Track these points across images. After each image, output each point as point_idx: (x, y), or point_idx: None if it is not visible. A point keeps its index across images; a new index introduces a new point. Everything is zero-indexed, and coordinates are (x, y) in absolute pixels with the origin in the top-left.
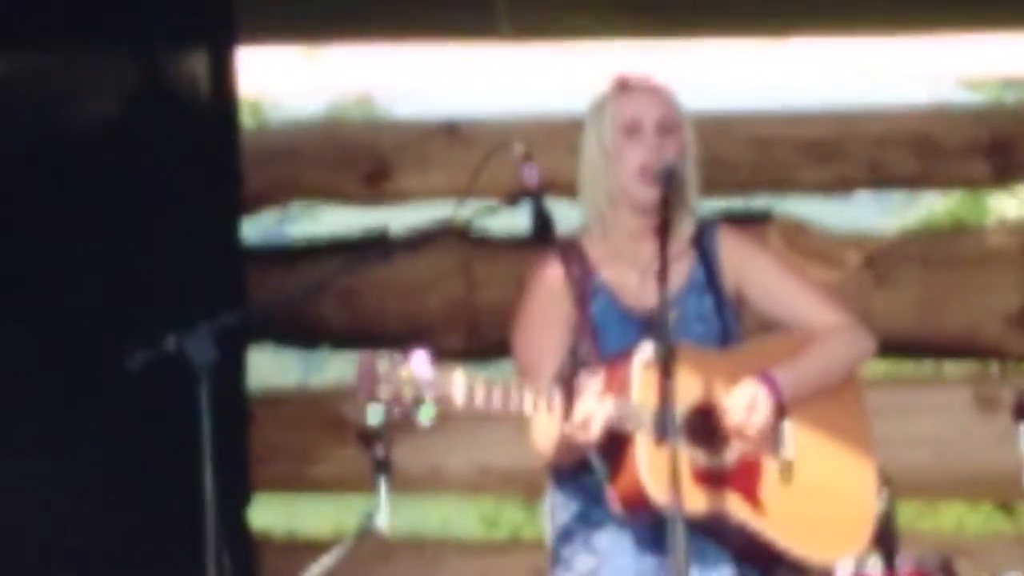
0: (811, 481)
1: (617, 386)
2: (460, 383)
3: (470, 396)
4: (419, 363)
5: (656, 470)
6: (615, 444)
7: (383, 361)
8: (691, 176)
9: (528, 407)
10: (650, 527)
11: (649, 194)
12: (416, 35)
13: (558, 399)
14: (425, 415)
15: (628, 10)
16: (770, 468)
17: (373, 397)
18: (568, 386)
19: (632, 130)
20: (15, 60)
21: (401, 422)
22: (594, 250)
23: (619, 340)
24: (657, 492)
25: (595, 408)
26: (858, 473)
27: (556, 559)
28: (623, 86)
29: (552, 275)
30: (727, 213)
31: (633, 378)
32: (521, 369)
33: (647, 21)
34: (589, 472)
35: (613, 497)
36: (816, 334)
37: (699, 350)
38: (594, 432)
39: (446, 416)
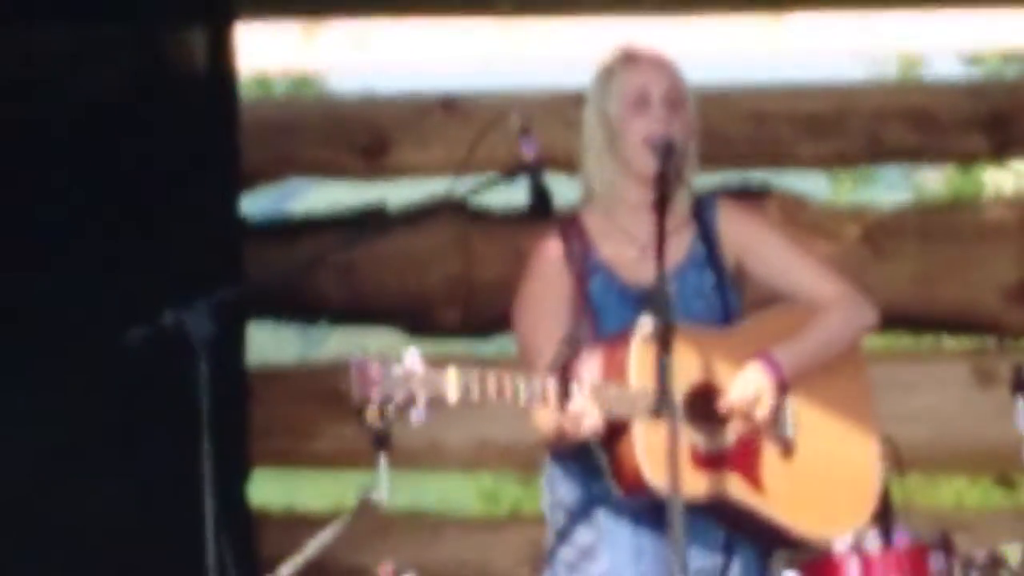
0: (812, 457)
1: (615, 369)
2: (453, 381)
3: (465, 392)
4: (412, 362)
5: (654, 455)
6: (613, 429)
7: (375, 363)
8: (692, 151)
9: (523, 399)
10: (650, 503)
11: (655, 165)
12: (415, 9)
13: (552, 389)
14: (416, 418)
15: None
16: (770, 447)
17: (367, 399)
18: (563, 375)
19: (640, 102)
20: (15, 37)
21: (396, 421)
22: (593, 224)
23: (618, 317)
24: (655, 477)
25: (587, 405)
26: (860, 446)
27: (556, 533)
28: (630, 57)
29: (553, 253)
30: (725, 187)
31: (631, 363)
32: (523, 348)
33: None
34: (589, 450)
35: (613, 482)
36: (817, 307)
37: (698, 330)
38: (587, 428)
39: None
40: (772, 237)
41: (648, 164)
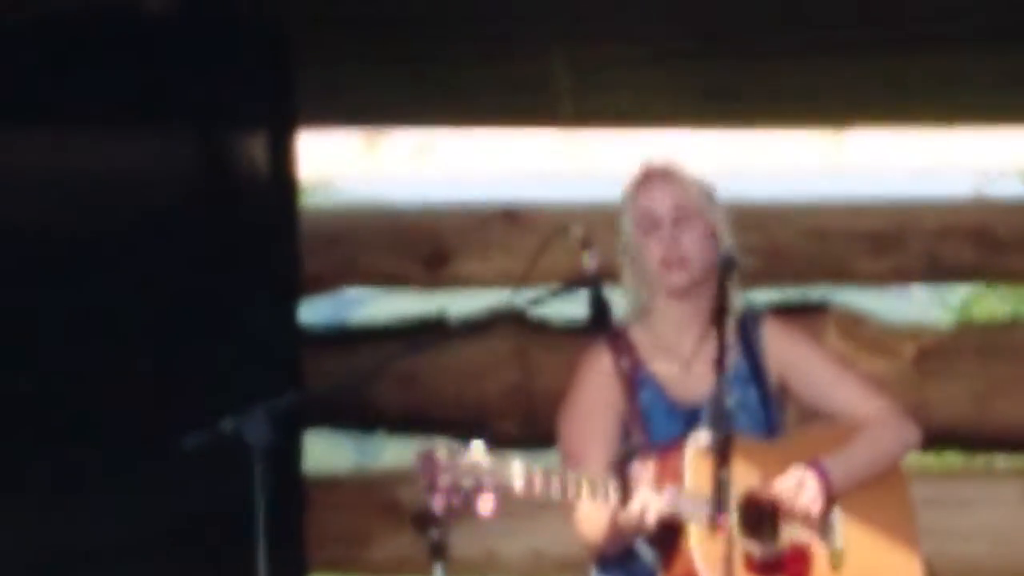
0: (860, 572)
1: (670, 475)
2: (518, 472)
3: (529, 484)
4: (477, 453)
5: (710, 559)
6: (667, 533)
7: (442, 451)
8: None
9: (586, 495)
10: None
11: (676, 281)
12: (477, 119)
13: (613, 488)
14: (484, 506)
15: (690, 97)
16: (820, 556)
17: (434, 487)
18: (622, 474)
19: (649, 226)
20: (79, 142)
21: (462, 511)
22: (640, 339)
23: (665, 431)
24: None
25: (651, 498)
26: (906, 565)
27: None
28: (642, 177)
29: (603, 364)
30: (784, 303)
31: (686, 467)
32: (568, 457)
33: (708, 109)
34: (634, 558)
35: None
36: (863, 424)
37: (747, 440)
38: (650, 522)
39: (503, 501)
40: (817, 355)
41: (669, 283)
